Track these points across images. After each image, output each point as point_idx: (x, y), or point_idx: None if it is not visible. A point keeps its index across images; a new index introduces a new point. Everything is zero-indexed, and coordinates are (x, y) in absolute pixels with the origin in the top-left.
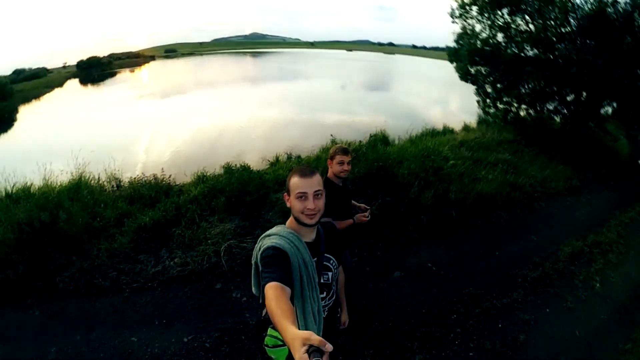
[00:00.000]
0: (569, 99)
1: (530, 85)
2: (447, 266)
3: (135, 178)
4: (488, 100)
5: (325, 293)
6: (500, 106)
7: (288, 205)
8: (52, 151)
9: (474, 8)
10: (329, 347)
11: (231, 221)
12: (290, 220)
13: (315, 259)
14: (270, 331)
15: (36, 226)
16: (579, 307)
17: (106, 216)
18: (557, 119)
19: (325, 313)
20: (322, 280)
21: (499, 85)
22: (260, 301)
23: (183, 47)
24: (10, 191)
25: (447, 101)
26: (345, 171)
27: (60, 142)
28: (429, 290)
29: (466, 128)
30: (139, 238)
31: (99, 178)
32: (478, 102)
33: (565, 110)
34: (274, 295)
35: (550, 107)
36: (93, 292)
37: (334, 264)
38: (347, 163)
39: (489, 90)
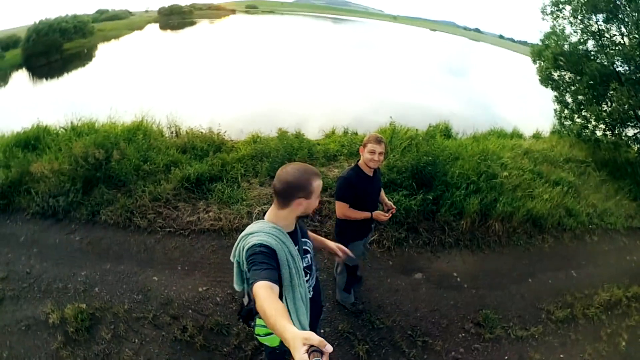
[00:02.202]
0: None
1: (613, 104)
2: (473, 280)
3: (192, 129)
4: (566, 111)
5: (308, 275)
6: (578, 120)
7: None
8: (122, 90)
9: (568, 8)
10: (329, 347)
11: (270, 186)
12: (270, 214)
13: (297, 246)
14: (258, 321)
15: (90, 162)
16: None
17: (156, 162)
18: (635, 147)
19: (311, 293)
20: (304, 264)
21: (580, 97)
22: (245, 296)
23: (264, 4)
24: (76, 124)
25: (527, 103)
26: (375, 162)
27: (132, 82)
28: (445, 300)
29: (536, 135)
30: (181, 187)
31: (159, 123)
32: (555, 110)
33: None
34: (266, 295)
35: (630, 133)
36: (130, 228)
37: (310, 245)
38: (378, 153)
39: (569, 100)
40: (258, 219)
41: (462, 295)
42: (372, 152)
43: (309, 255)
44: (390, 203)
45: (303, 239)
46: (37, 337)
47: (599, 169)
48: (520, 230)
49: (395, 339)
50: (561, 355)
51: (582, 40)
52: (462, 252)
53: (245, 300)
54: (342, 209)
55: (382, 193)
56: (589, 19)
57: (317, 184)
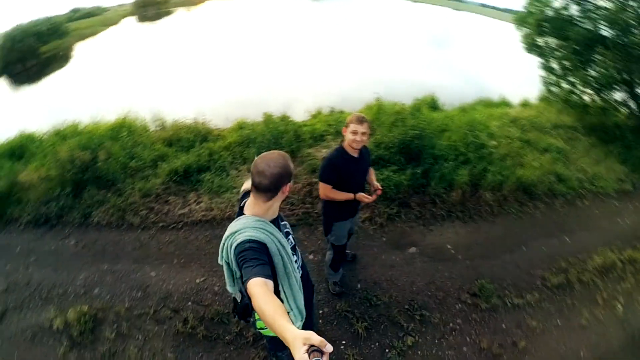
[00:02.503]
0: (639, 91)
1: (598, 69)
2: (467, 251)
3: (177, 121)
4: (553, 77)
5: (295, 256)
6: (564, 86)
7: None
8: (104, 88)
9: None
10: (329, 347)
11: None
12: (251, 206)
13: (281, 232)
14: (257, 315)
15: (77, 164)
16: (593, 326)
17: (143, 157)
18: (623, 110)
19: (300, 272)
20: (289, 245)
21: (565, 63)
22: (238, 292)
23: None
24: (60, 129)
25: (514, 71)
26: (358, 142)
27: (113, 79)
28: (440, 273)
29: (524, 103)
30: (170, 180)
31: (143, 118)
32: (542, 77)
33: (632, 103)
34: (262, 293)
35: (617, 97)
36: (123, 227)
37: (289, 227)
38: (361, 133)
39: (555, 66)
40: (238, 216)
41: (456, 267)
42: (355, 132)
43: (290, 237)
44: (376, 184)
45: (282, 222)
46: (43, 344)
47: (587, 134)
48: (512, 198)
49: (393, 314)
50: (558, 321)
51: (565, 5)
52: (455, 224)
53: (239, 296)
54: (324, 190)
55: (372, 173)
56: None
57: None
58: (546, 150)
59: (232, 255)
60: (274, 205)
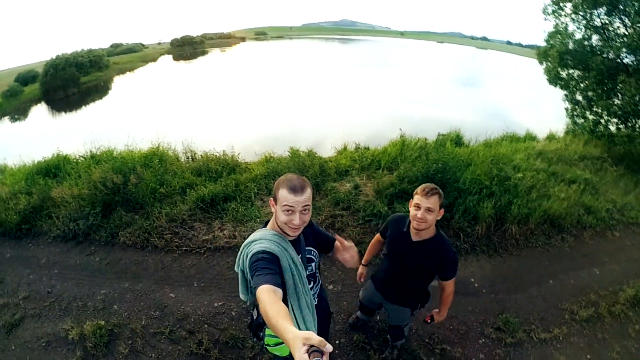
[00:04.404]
0: None
1: (623, 97)
2: (491, 285)
3: (207, 152)
4: (578, 109)
5: (312, 283)
6: (590, 117)
7: (273, 210)
8: (139, 119)
9: (568, 5)
10: (329, 347)
11: None
12: (272, 223)
13: (300, 255)
14: (267, 331)
15: (109, 186)
16: None
17: (172, 184)
18: None
19: (316, 300)
20: (307, 272)
21: (590, 93)
22: (248, 304)
23: (273, 30)
24: (95, 153)
25: (540, 105)
26: (419, 221)
27: (149, 111)
28: (463, 307)
29: (550, 137)
30: (197, 207)
31: (175, 149)
32: (566, 109)
33: None
34: (268, 298)
35: None
36: (148, 248)
37: (314, 254)
38: (425, 209)
39: (579, 97)
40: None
41: (480, 301)
42: (417, 206)
43: (313, 264)
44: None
45: (307, 248)
46: (56, 352)
47: (615, 164)
48: (538, 231)
49: (412, 347)
50: (588, 356)
51: (586, 36)
52: (479, 258)
53: (255, 314)
54: (374, 238)
55: (448, 288)
56: (591, 13)
57: (282, 193)
58: (573, 182)
59: (247, 264)
60: (276, 216)
